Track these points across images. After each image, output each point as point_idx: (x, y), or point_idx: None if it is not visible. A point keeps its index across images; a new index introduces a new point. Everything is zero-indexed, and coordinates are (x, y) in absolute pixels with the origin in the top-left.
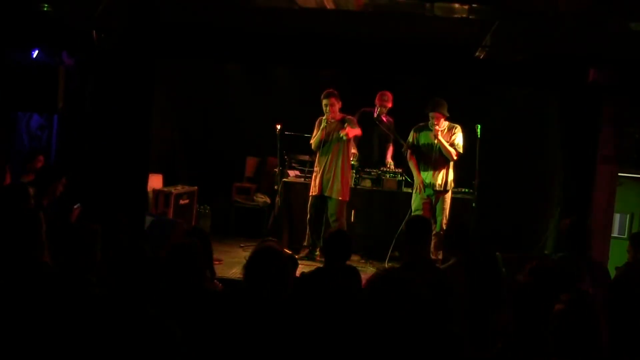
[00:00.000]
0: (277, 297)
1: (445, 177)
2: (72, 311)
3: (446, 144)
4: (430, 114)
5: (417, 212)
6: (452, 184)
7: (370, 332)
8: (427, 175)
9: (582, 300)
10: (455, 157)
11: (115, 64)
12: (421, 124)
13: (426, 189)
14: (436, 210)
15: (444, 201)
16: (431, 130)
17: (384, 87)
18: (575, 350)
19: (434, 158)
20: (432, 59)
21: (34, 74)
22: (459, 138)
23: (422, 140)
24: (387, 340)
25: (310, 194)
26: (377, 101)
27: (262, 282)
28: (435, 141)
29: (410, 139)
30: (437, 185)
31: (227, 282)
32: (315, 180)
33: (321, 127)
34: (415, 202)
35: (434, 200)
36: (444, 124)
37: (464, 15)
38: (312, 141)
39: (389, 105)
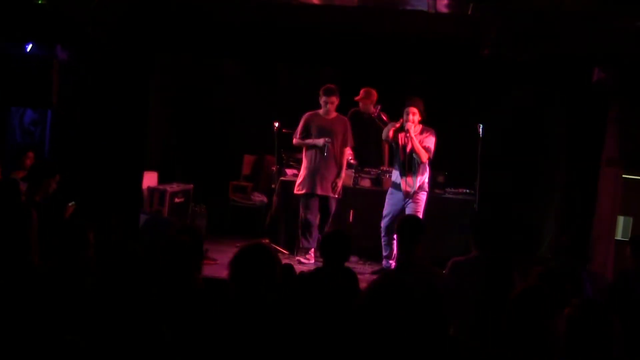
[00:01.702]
0: (266, 296)
1: (418, 180)
2: (61, 312)
3: (417, 143)
4: (406, 110)
5: (388, 217)
6: (427, 186)
7: (368, 335)
8: (404, 178)
9: (595, 305)
10: (425, 160)
11: (110, 59)
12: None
13: (400, 192)
14: (408, 212)
15: (416, 203)
16: (404, 131)
17: (384, 85)
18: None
19: (406, 159)
20: (435, 57)
21: (28, 68)
22: (429, 142)
23: (396, 142)
24: (384, 342)
25: (298, 192)
26: (362, 100)
27: (250, 281)
28: (407, 137)
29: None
30: (409, 188)
31: (222, 282)
32: (304, 178)
33: (321, 145)
34: (388, 204)
35: (404, 203)
36: (417, 128)
37: (468, 13)
38: (296, 138)
39: (375, 100)
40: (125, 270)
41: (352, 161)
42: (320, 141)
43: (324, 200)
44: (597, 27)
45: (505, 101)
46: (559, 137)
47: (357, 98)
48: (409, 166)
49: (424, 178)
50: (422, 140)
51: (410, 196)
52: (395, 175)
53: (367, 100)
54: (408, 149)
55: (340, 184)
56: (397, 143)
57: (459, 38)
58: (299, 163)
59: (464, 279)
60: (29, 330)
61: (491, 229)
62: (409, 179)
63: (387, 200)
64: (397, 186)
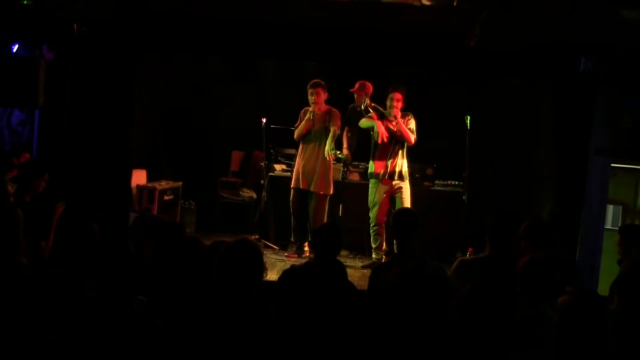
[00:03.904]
0: (252, 290)
1: (401, 166)
2: (55, 312)
3: (405, 128)
4: (390, 95)
5: (376, 207)
6: (407, 175)
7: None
8: (383, 165)
9: (590, 295)
10: (413, 142)
11: (96, 57)
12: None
13: (382, 180)
14: (396, 202)
15: (402, 193)
16: (387, 118)
17: (370, 78)
18: (580, 348)
19: (389, 145)
20: (421, 49)
21: (14, 68)
22: (412, 124)
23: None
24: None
25: (292, 186)
26: (358, 91)
27: (237, 276)
28: (394, 123)
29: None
30: (394, 175)
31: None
32: (297, 172)
33: (306, 118)
34: (372, 195)
35: (391, 192)
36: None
37: (454, 4)
38: (295, 131)
39: (370, 93)
40: (118, 268)
41: (340, 155)
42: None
43: (310, 196)
44: (584, 16)
45: (493, 92)
46: (547, 127)
47: (352, 90)
48: (391, 152)
49: (404, 164)
50: (405, 124)
51: (393, 179)
52: (375, 163)
53: (362, 92)
54: (386, 135)
55: (322, 176)
56: (377, 131)
57: (445, 30)
58: (287, 158)
59: (472, 278)
60: (22, 329)
61: (510, 229)
62: (390, 164)
63: (370, 190)
64: (377, 175)
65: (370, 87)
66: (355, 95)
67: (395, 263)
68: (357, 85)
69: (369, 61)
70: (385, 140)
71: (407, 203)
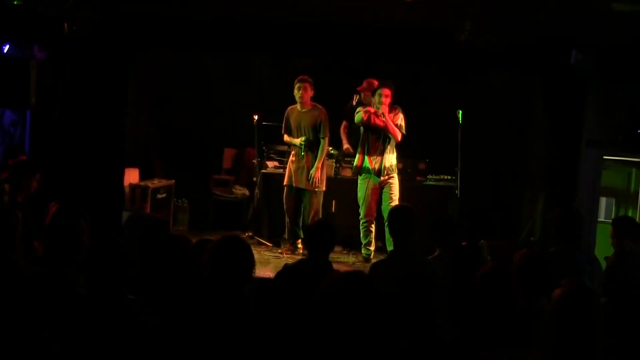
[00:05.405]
0: (242, 287)
1: (390, 161)
2: (50, 310)
3: (392, 124)
4: (378, 91)
5: (366, 202)
6: (396, 169)
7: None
8: (373, 160)
9: (584, 289)
10: (400, 138)
11: (87, 56)
12: (361, 107)
13: (372, 175)
14: (385, 196)
15: (391, 188)
16: (376, 114)
17: (362, 75)
18: (572, 344)
19: (379, 141)
20: (412, 44)
21: (5, 69)
22: (400, 119)
23: (368, 125)
24: (373, 333)
25: (285, 183)
26: (365, 90)
27: (227, 273)
28: (382, 120)
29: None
30: (384, 170)
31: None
32: (289, 169)
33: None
34: (362, 190)
35: (380, 187)
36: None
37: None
38: (285, 134)
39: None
40: (112, 266)
41: (332, 152)
42: (296, 141)
43: (302, 193)
44: (574, 10)
45: (485, 86)
46: (539, 120)
47: (359, 88)
48: (382, 147)
49: (392, 158)
50: (393, 119)
51: (382, 175)
52: (363, 158)
53: (369, 91)
54: (372, 118)
55: (316, 174)
56: (368, 126)
57: (436, 25)
58: (279, 155)
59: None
60: (18, 330)
61: (440, 226)
62: (380, 160)
63: (360, 186)
64: (367, 170)
65: (376, 85)
66: (362, 95)
67: (393, 261)
68: (364, 83)
69: (360, 57)
70: (365, 119)
71: (396, 197)
